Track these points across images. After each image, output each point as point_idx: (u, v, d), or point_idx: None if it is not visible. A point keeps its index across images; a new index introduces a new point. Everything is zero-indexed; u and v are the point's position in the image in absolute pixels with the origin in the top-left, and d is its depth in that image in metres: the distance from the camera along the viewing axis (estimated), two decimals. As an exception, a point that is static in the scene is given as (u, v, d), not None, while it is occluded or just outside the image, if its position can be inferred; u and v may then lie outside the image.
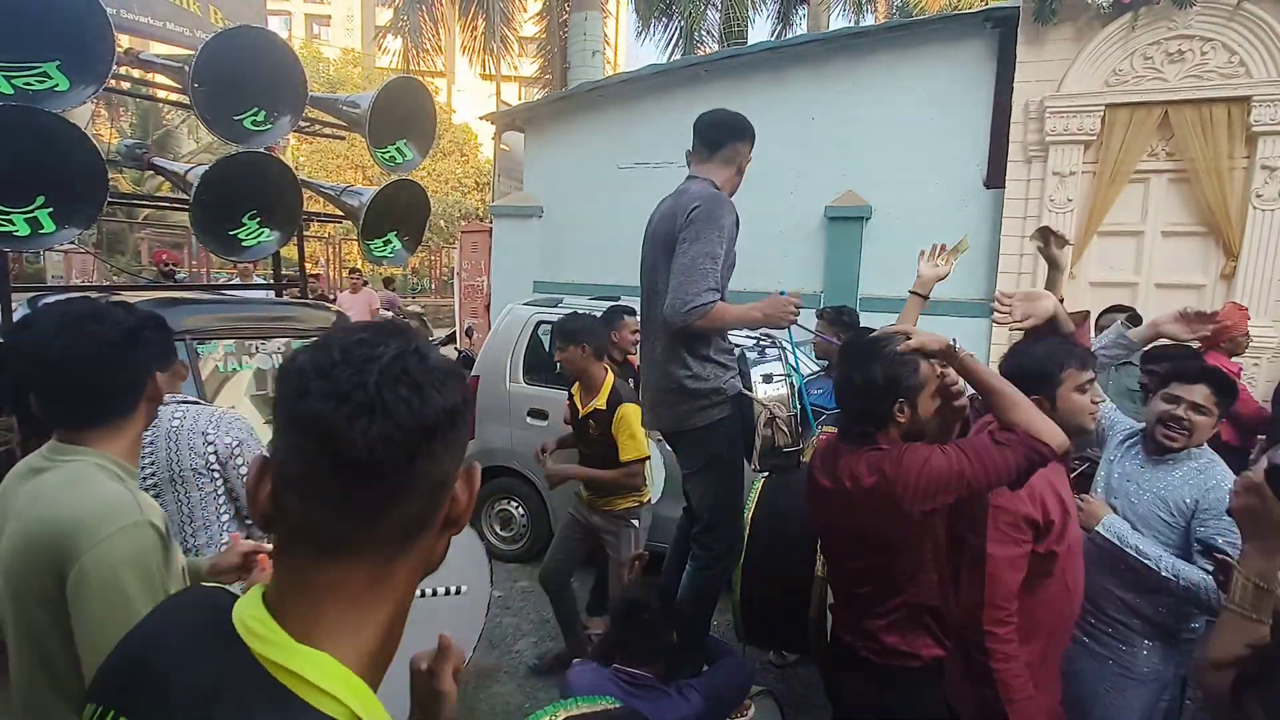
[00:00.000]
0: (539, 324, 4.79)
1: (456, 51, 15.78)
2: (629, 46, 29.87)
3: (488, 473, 4.73)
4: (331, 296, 10.29)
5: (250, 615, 0.60)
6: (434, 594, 1.84)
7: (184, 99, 3.17)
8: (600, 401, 3.06)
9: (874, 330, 1.78)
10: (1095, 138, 5.76)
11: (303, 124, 3.77)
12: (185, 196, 3.07)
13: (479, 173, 24.28)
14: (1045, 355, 1.83)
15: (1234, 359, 4.03)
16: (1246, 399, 3.81)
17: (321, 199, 3.90)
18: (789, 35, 12.82)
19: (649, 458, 3.15)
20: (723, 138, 2.35)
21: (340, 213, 3.76)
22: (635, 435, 2.96)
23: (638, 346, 3.52)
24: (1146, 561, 1.95)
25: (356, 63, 26.08)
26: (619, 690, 1.90)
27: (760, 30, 16.30)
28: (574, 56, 10.43)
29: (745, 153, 2.37)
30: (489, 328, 6.31)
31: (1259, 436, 3.85)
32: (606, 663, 2.05)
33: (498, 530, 4.75)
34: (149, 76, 3.56)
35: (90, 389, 1.19)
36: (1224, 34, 5.35)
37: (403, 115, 3.54)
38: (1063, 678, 1.89)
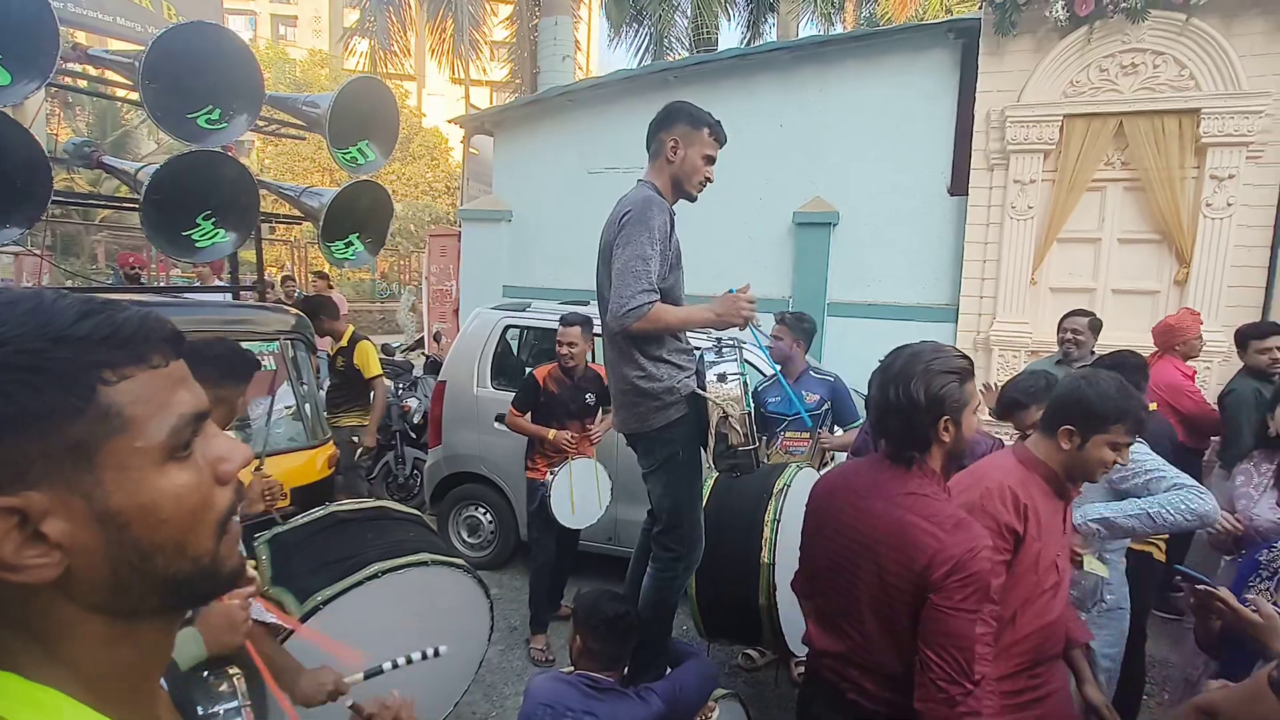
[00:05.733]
0: (507, 328, 4.74)
1: (426, 55, 15.65)
2: (601, 52, 29.93)
3: (456, 479, 4.67)
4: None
5: None
6: (408, 662, 1.62)
7: (136, 96, 3.08)
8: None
9: (911, 344, 1.66)
10: (1054, 147, 5.89)
11: (261, 124, 3.70)
12: (137, 196, 2.98)
13: (449, 177, 24.09)
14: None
15: (1188, 362, 4.14)
16: (1200, 401, 3.92)
17: (281, 200, 3.82)
18: (758, 43, 12.94)
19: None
20: (650, 135, 2.34)
21: (300, 214, 3.68)
22: None
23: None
24: (1134, 520, 2.07)
25: (324, 64, 25.74)
26: (579, 694, 1.88)
27: (730, 37, 16.46)
28: (544, 61, 10.40)
29: (677, 137, 2.27)
30: (458, 332, 6.25)
31: (1212, 438, 3.97)
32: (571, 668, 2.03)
33: (465, 537, 4.68)
34: (101, 73, 3.44)
35: None
36: (1174, 48, 5.52)
37: (364, 116, 3.49)
38: None
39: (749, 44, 12.42)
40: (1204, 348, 4.35)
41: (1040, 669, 1.75)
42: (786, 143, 6.93)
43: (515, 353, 5.21)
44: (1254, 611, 1.50)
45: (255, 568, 2.08)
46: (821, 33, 11.95)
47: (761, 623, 2.71)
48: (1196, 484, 2.10)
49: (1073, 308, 4.27)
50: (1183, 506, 2.04)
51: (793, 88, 6.93)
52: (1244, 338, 3.74)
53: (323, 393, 4.31)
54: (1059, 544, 1.78)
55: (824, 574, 1.71)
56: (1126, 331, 5.36)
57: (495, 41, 15.31)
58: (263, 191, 3.59)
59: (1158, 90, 5.59)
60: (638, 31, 12.80)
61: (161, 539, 0.51)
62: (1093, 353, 4.00)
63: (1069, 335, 3.97)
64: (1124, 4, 5.42)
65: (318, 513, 2.43)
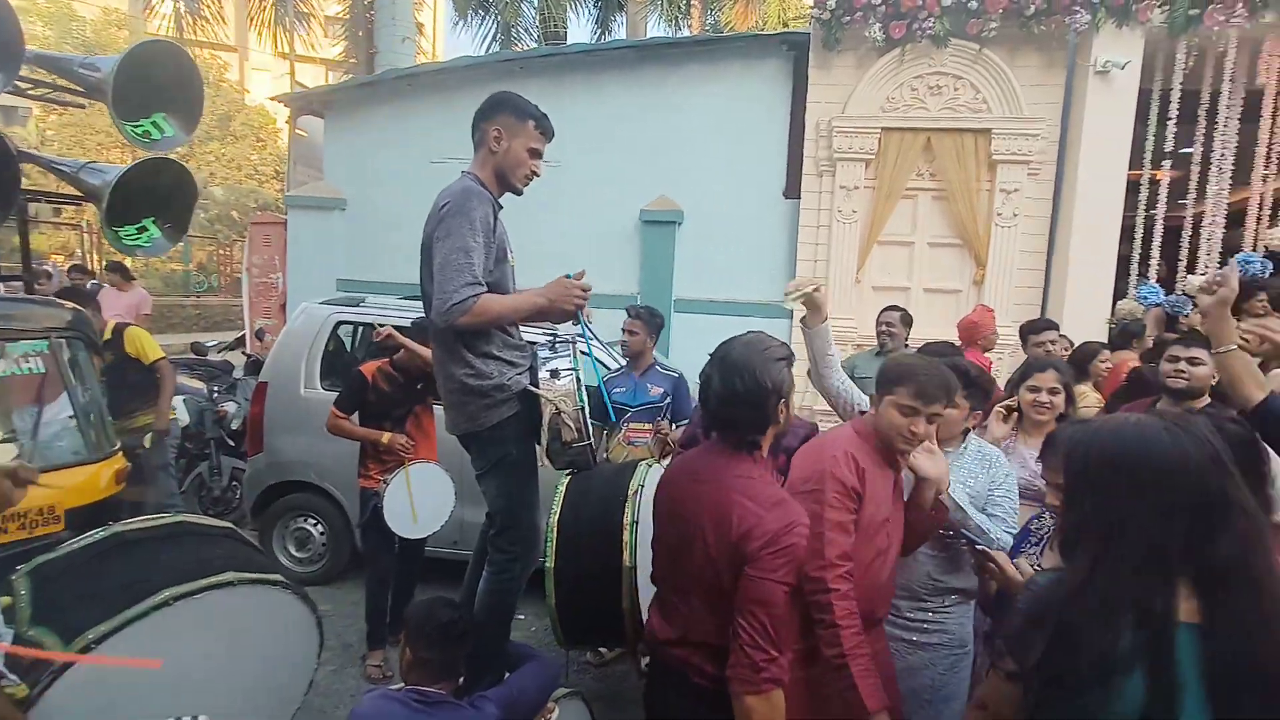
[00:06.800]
0: (339, 324, 4.41)
1: (247, 23, 14.23)
2: (447, 38, 28.89)
3: (281, 489, 4.29)
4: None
5: None
6: None
7: None
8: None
9: (740, 336, 1.71)
10: (874, 157, 6.42)
11: (27, 86, 3.16)
12: None
13: (278, 160, 22.13)
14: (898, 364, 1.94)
15: (986, 354, 4.66)
16: (996, 391, 4.42)
17: (54, 176, 3.28)
18: (607, 40, 13.02)
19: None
20: (474, 125, 2.28)
21: (79, 193, 3.19)
22: None
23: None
24: (975, 529, 2.13)
25: (122, 25, 22.69)
26: (406, 711, 1.77)
27: (578, 32, 16.42)
28: (381, 41, 9.80)
29: (500, 127, 2.22)
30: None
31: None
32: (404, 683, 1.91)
33: (292, 551, 4.30)
34: None
35: None
36: (970, 73, 6.20)
37: (161, 85, 3.08)
38: (897, 677, 1.99)
39: (598, 40, 12.47)
40: (998, 340, 4.94)
41: (869, 630, 1.86)
42: (633, 140, 7.02)
43: (350, 351, 4.87)
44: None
45: (7, 606, 1.75)
46: (669, 35, 12.25)
47: (625, 626, 2.69)
48: (1007, 521, 2.20)
49: (890, 304, 4.65)
50: (989, 534, 2.14)
51: (639, 87, 7.03)
52: (1025, 332, 4.28)
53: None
54: (888, 509, 1.90)
55: (668, 560, 1.75)
56: (935, 328, 5.94)
57: (328, 16, 14.25)
58: (30, 166, 3.07)
59: (958, 110, 6.26)
60: (484, 19, 12.44)
61: None
62: (906, 345, 4.40)
63: (884, 328, 4.33)
64: (929, 31, 6.02)
65: (97, 534, 2.05)
